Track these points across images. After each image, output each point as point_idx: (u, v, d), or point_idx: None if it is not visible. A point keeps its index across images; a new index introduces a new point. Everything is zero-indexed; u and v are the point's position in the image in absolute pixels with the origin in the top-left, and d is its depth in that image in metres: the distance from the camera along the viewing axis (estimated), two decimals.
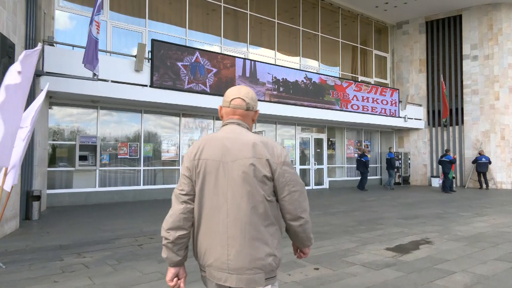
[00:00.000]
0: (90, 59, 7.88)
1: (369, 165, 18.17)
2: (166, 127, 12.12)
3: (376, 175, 18.70)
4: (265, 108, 12.54)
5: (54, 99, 9.89)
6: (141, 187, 11.35)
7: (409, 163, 18.43)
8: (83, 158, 10.37)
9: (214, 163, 1.64)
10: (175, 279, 1.73)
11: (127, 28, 11.84)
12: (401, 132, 19.03)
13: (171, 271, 1.72)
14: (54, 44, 9.13)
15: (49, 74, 8.40)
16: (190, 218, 1.67)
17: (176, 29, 12.82)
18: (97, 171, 10.58)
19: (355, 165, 17.67)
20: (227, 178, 1.61)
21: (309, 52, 16.46)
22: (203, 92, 11.15)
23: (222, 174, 1.63)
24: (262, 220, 1.61)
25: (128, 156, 11.20)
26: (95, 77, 8.09)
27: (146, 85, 10.19)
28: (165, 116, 12.06)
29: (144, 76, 10.16)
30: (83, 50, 8.21)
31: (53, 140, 10.08)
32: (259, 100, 12.34)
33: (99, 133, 10.71)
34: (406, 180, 18.23)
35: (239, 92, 1.76)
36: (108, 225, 7.24)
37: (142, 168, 11.41)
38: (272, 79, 12.82)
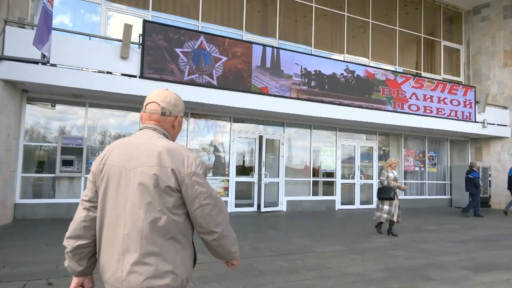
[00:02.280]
0: (41, 38, 6.23)
1: (436, 181, 14.63)
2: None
3: (445, 195, 15.01)
4: (290, 106, 10.09)
5: (32, 93, 8.51)
6: None
7: (490, 181, 14.49)
8: (67, 163, 8.83)
9: (117, 170, 1.52)
10: None
11: (126, 12, 10.26)
12: (479, 141, 15.15)
13: (73, 281, 1.63)
14: (25, 26, 7.72)
15: (5, 58, 6.94)
16: (92, 227, 1.58)
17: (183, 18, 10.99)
18: (83, 178, 8.97)
19: (417, 181, 14.27)
20: (128, 186, 1.49)
21: (356, 45, 13.64)
22: (208, 85, 9.08)
23: (123, 182, 1.51)
24: (163, 235, 1.47)
25: None
26: (45, 59, 6.42)
27: (134, 76, 8.39)
28: None
29: (133, 65, 8.37)
30: (65, 34, 6.68)
31: (30, 141, 8.66)
32: (281, 97, 9.94)
33: (87, 134, 9.14)
34: (485, 203, 14.31)
35: (156, 96, 1.64)
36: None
37: None
38: (301, 71, 10.34)
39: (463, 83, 15.63)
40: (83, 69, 8.00)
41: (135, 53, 8.38)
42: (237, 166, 11.03)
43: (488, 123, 13.68)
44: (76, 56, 7.88)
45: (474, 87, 13.77)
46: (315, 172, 12.30)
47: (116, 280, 1.46)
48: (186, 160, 1.51)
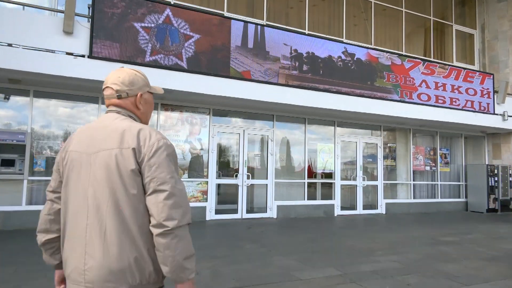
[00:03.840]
0: None
1: (449, 182, 12.95)
2: None
3: (459, 197, 13.30)
4: (277, 94, 8.50)
5: None
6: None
7: (511, 182, 12.77)
8: (7, 163, 7.31)
9: (79, 156, 1.40)
10: (62, 285, 1.55)
11: None
12: (497, 136, 13.44)
13: (56, 274, 1.57)
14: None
15: None
16: (58, 220, 1.48)
17: None
18: (25, 182, 7.43)
19: (428, 182, 12.60)
20: (89, 173, 1.36)
21: (357, 29, 12.01)
22: (176, 67, 7.52)
23: (85, 169, 1.37)
24: (128, 225, 1.32)
25: None
26: None
27: (82, 55, 6.86)
28: None
29: (80, 42, 6.84)
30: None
31: None
32: (266, 83, 8.36)
33: (31, 129, 7.60)
34: (506, 206, 12.60)
35: (108, 79, 1.50)
36: None
37: None
38: (291, 53, 8.75)
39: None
40: (15, 46, 6.47)
41: (83, 28, 6.84)
42: (219, 166, 9.46)
43: (508, 116, 11.99)
44: (6, 30, 6.36)
45: (493, 74, 12.10)
46: (311, 173, 10.70)
47: (79, 273, 1.33)
48: (148, 139, 1.36)
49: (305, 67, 8.86)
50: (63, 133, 7.91)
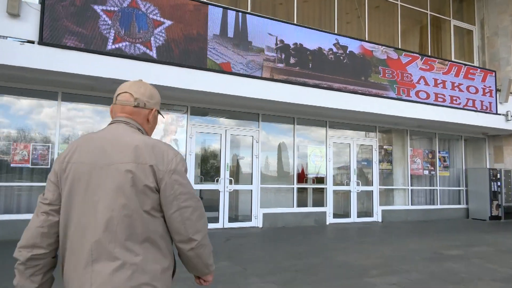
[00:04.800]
0: None
1: (449, 187, 12.12)
2: (102, 116, 7.72)
3: (460, 204, 12.45)
4: (261, 89, 7.62)
5: None
6: None
7: None
8: None
9: (86, 168, 1.31)
10: None
11: None
12: (499, 139, 12.63)
13: None
14: None
15: None
16: (51, 234, 1.35)
17: None
18: None
19: (427, 187, 11.75)
20: (99, 187, 1.28)
21: (349, 23, 11.17)
22: (144, 57, 6.60)
23: (94, 182, 1.29)
24: (140, 241, 1.27)
25: (30, 165, 6.95)
26: None
27: (32, 41, 5.92)
28: (101, 99, 7.69)
29: (29, 26, 5.90)
30: None
31: None
32: (249, 76, 7.48)
33: None
34: (510, 213, 11.78)
35: (129, 87, 1.46)
36: None
37: None
38: (276, 44, 7.87)
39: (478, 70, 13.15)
40: None
41: (32, 10, 5.91)
42: (198, 170, 8.54)
43: None
44: None
45: (495, 72, 11.32)
46: (301, 178, 9.80)
47: None
48: (165, 156, 1.34)
49: (292, 60, 7.99)
50: (12, 132, 6.93)
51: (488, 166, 12.55)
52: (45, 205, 1.36)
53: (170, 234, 1.36)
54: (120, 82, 6.51)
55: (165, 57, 6.74)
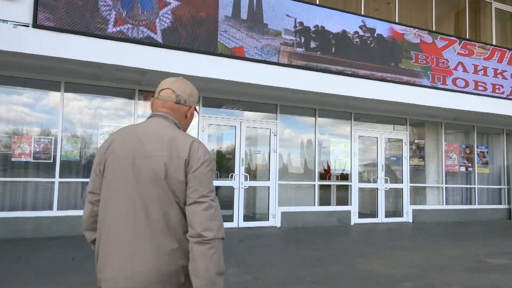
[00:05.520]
0: None
1: (488, 186, 11.01)
2: (110, 109, 7.26)
3: (500, 204, 11.31)
4: (278, 77, 6.92)
5: None
6: (55, 212, 6.58)
7: None
8: None
9: (124, 159, 1.40)
10: None
11: None
12: None
13: None
14: None
15: None
16: None
17: None
18: None
19: (463, 185, 10.71)
20: (136, 177, 1.37)
21: (378, 5, 10.22)
22: (148, 41, 6.05)
23: (131, 173, 1.38)
24: (175, 230, 1.35)
25: (31, 159, 6.57)
26: None
27: (26, 25, 5.47)
28: (109, 90, 7.22)
29: (21, 8, 5.46)
30: None
31: None
32: (264, 62, 6.80)
33: None
34: None
35: (171, 83, 1.55)
36: None
37: (57, 179, 6.66)
38: (295, 27, 7.15)
39: None
40: None
41: None
42: None
43: None
44: None
45: None
46: (323, 174, 9.04)
47: (125, 277, 1.32)
48: (196, 152, 1.40)
49: (312, 44, 7.24)
50: (12, 125, 6.56)
51: None
52: (90, 194, 1.48)
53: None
54: (124, 68, 5.99)
55: (171, 41, 6.16)
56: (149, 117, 1.52)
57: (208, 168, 1.40)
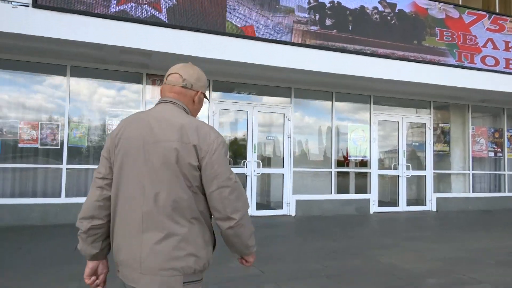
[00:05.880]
0: None
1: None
2: (117, 94, 7.03)
3: None
4: (291, 57, 6.51)
5: None
6: (63, 199, 6.46)
7: None
8: None
9: (134, 144, 1.41)
10: (93, 277, 1.51)
11: None
12: None
13: (88, 266, 1.51)
14: None
15: None
16: (107, 206, 1.46)
17: None
18: None
19: (492, 172, 10.08)
20: (146, 162, 1.38)
21: None
22: (153, 21, 5.73)
23: (141, 158, 1.39)
24: (184, 215, 1.36)
25: (38, 145, 6.43)
26: None
27: (26, 5, 5.24)
28: (116, 74, 6.99)
29: None
30: None
31: None
32: (276, 42, 6.39)
33: None
34: None
35: (179, 68, 1.55)
36: None
37: (65, 166, 6.51)
38: (309, 3, 6.68)
39: None
40: None
41: None
42: None
43: None
44: None
45: None
46: (340, 161, 8.63)
47: (135, 261, 1.35)
48: (208, 137, 1.40)
49: (328, 22, 6.76)
50: (19, 109, 6.41)
51: None
52: (99, 179, 1.46)
53: (211, 211, 1.42)
54: (128, 50, 5.69)
55: (177, 20, 5.83)
56: (158, 103, 1.53)
57: (223, 151, 1.41)
